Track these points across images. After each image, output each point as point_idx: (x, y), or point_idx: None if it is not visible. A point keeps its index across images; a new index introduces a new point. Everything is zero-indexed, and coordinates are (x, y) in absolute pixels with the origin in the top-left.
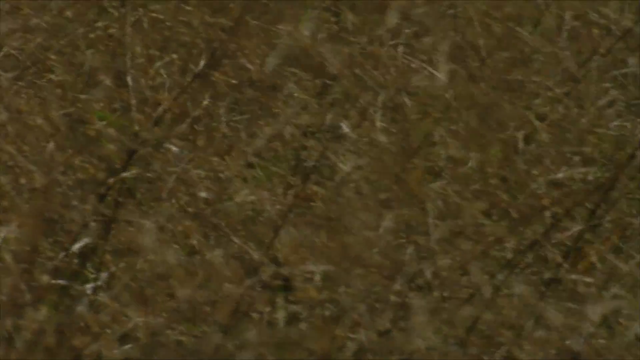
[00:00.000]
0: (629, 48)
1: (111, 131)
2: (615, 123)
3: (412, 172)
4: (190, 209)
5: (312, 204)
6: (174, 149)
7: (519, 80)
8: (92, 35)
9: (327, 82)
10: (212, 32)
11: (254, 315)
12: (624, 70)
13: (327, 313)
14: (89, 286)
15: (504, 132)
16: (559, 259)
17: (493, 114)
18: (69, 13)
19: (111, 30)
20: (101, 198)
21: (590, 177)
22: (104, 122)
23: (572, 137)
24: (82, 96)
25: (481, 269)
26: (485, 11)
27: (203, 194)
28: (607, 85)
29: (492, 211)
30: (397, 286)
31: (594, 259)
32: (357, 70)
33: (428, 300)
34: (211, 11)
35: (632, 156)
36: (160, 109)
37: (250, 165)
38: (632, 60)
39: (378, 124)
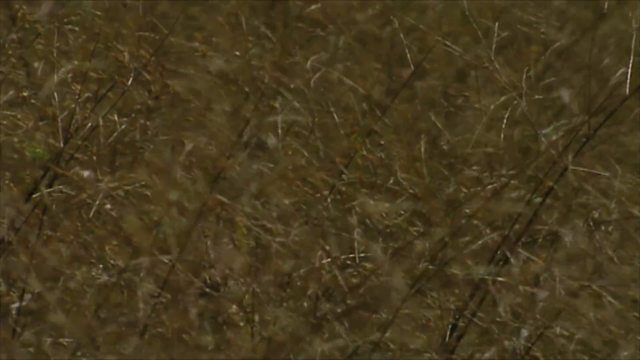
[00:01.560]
0: (567, 66)
1: (30, 150)
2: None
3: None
4: (115, 228)
5: (236, 220)
6: (92, 169)
7: (453, 97)
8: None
9: (250, 95)
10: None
11: (185, 336)
12: (556, 95)
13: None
14: (13, 306)
15: (435, 149)
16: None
17: (424, 131)
18: None
19: (39, 47)
20: (22, 217)
21: (522, 195)
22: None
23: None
24: None
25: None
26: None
27: (127, 214)
28: (546, 104)
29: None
30: (324, 306)
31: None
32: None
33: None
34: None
35: (561, 174)
36: (82, 126)
37: (174, 183)
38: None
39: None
